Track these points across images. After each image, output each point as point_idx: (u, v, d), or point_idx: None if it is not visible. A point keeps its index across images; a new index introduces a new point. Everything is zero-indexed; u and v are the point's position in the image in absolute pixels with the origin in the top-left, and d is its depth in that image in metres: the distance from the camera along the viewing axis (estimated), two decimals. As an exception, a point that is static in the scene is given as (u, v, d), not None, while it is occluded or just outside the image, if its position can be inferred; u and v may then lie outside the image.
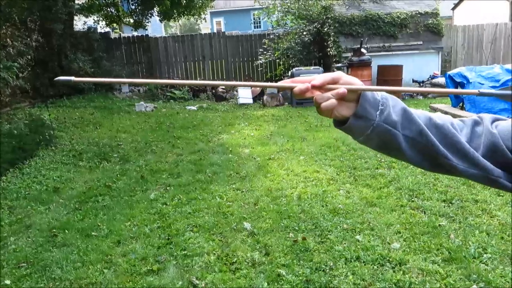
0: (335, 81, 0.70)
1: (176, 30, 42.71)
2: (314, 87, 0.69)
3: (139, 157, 5.93)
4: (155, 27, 27.29)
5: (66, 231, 3.69)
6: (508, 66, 8.33)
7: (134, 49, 13.18)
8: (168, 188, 4.69)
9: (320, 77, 0.70)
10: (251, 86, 0.71)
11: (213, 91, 11.68)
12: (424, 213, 3.71)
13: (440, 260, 2.95)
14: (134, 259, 3.17)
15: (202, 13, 14.30)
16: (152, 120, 8.56)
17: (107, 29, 14.55)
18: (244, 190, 4.53)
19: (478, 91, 0.68)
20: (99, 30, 13.28)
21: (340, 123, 0.75)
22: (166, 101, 11.02)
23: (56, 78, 0.72)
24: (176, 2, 12.68)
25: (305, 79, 0.70)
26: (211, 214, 3.95)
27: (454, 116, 7.26)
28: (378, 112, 0.73)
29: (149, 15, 13.22)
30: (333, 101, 0.70)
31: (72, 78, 0.70)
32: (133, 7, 13.18)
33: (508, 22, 14.21)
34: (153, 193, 4.54)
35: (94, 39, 11.65)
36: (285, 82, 0.72)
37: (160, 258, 3.18)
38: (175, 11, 13.29)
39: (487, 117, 0.81)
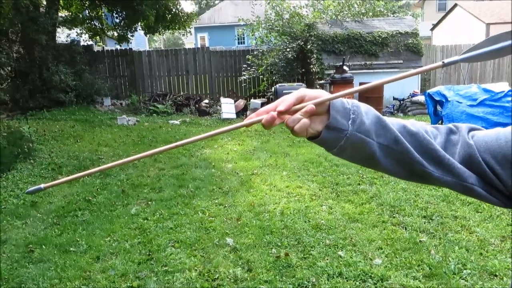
0: (300, 100, 0.69)
1: (160, 44, 42.78)
2: (280, 112, 0.68)
3: (120, 171, 5.85)
4: (139, 40, 27.26)
5: (43, 246, 3.59)
6: (485, 85, 8.58)
7: (117, 63, 13.11)
8: (149, 202, 4.63)
9: (284, 102, 0.68)
10: (214, 135, 0.71)
11: (197, 105, 11.67)
12: (405, 229, 3.75)
13: (421, 276, 2.97)
14: (114, 275, 3.10)
15: (186, 27, 14.38)
16: (134, 133, 8.49)
17: (90, 42, 14.46)
18: (226, 205, 4.50)
19: (443, 62, 0.65)
20: (82, 43, 13.18)
21: (313, 137, 0.73)
22: (149, 115, 10.95)
23: (27, 191, 0.75)
24: (161, 17, 12.74)
25: (269, 108, 0.69)
26: (193, 229, 3.91)
27: (434, 133, 7.41)
28: (350, 122, 0.71)
29: (134, 29, 13.21)
30: (305, 121, 0.69)
31: (42, 186, 0.74)
32: (117, 20, 13.16)
33: (484, 43, 14.67)
34: (134, 207, 4.47)
35: (76, 52, 11.55)
36: (249, 118, 0.70)
37: (141, 274, 3.12)
38: (159, 25, 13.33)
39: (463, 126, 0.80)
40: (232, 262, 3.28)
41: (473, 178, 0.74)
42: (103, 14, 13.43)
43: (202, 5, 45.30)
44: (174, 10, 13.32)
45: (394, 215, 4.05)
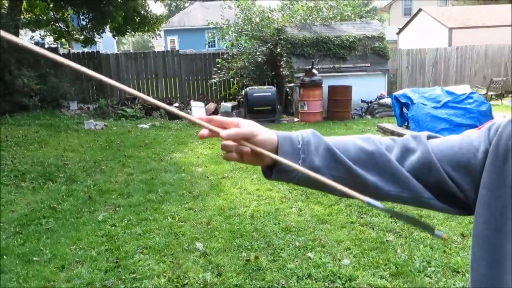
0: (247, 138, 0.70)
1: (129, 47, 42.13)
2: (222, 137, 0.69)
3: (87, 177, 5.71)
4: (107, 43, 26.75)
5: (5, 256, 3.46)
6: (448, 88, 8.88)
7: (84, 66, 12.64)
8: (117, 209, 4.54)
9: (230, 132, 0.69)
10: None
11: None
12: (373, 229, 3.82)
13: (388, 275, 3.04)
14: (79, 285, 3.02)
15: (156, 30, 14.23)
16: (102, 138, 8.31)
17: (56, 45, 14.09)
18: (196, 209, 4.47)
19: (367, 202, 0.65)
20: (46, 45, 12.82)
21: (267, 170, 0.75)
22: (117, 119, 10.75)
23: None
24: (129, 19, 12.56)
25: (220, 124, 0.70)
26: (162, 235, 3.85)
27: (400, 134, 7.60)
28: (300, 162, 0.72)
29: (101, 31, 12.96)
30: (233, 155, 0.70)
31: None
32: (83, 22, 12.88)
33: (447, 47, 15.21)
34: (102, 214, 4.37)
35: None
36: (201, 118, 0.70)
37: (108, 282, 3.05)
38: (128, 27, 13.13)
39: (423, 134, 0.81)
40: (202, 267, 3.26)
41: (428, 192, 0.76)
42: (68, 16, 13.11)
43: (172, 8, 44.94)
44: (143, 12, 13.17)
45: (362, 216, 4.13)
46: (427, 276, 3.01)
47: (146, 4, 13.36)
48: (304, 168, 0.71)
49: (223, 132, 0.68)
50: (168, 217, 4.26)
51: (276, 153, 0.72)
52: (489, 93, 12.50)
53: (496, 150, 0.71)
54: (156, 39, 16.34)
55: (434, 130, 7.57)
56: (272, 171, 0.74)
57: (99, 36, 13.10)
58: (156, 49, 26.88)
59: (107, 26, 13.03)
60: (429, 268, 3.09)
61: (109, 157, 6.78)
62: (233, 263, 3.27)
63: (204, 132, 0.69)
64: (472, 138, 0.76)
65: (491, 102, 9.61)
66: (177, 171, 5.99)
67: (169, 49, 26.86)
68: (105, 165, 6.34)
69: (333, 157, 0.75)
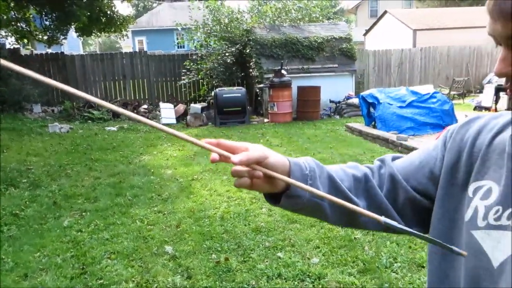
0: (259, 162, 0.68)
1: (95, 48, 41.21)
2: (233, 162, 0.66)
3: (52, 181, 5.54)
4: (72, 44, 26.08)
5: (-37, 267, 3.31)
6: (413, 88, 9.13)
7: (48, 67, 12.44)
8: (83, 213, 4.43)
9: (242, 157, 0.65)
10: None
11: (135, 111, 11.36)
12: (341, 227, 3.88)
13: (356, 272, 3.09)
14: (44, 293, 2.92)
15: (123, 30, 13.97)
16: (68, 142, 8.09)
17: (17, 46, 13.60)
18: (166, 212, 4.42)
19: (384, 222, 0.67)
20: (7, 46, 12.37)
21: (271, 198, 0.76)
22: (84, 122, 10.50)
23: None
24: (95, 19, 12.28)
25: (228, 149, 0.67)
26: (130, 239, 3.79)
27: (367, 134, 7.77)
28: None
29: (65, 31, 12.60)
30: (247, 181, 0.68)
31: None
32: (47, 22, 12.49)
33: (412, 48, 15.64)
34: (67, 220, 4.26)
35: (1, 56, 10.82)
36: (209, 142, 0.67)
37: (73, 289, 2.97)
38: (94, 27, 12.84)
39: (387, 157, 0.87)
40: (171, 270, 3.22)
41: (397, 217, 0.81)
42: (30, 15, 12.69)
43: (139, 8, 44.26)
44: (109, 12, 12.90)
45: (331, 214, 4.18)
46: (394, 272, 3.08)
47: (112, 4, 13.08)
48: (310, 196, 0.74)
49: (234, 158, 0.65)
50: (137, 221, 4.19)
51: (288, 177, 0.72)
52: (452, 92, 12.93)
53: (450, 152, 0.77)
54: (124, 39, 16.03)
55: (400, 129, 7.78)
56: (282, 196, 0.74)
57: (63, 37, 12.72)
58: (124, 50, 26.39)
59: (72, 26, 12.70)
60: (395, 264, 3.17)
61: (75, 161, 6.61)
62: (203, 266, 3.25)
63: (215, 156, 0.65)
64: (430, 149, 0.82)
65: (454, 102, 9.95)
66: (146, 173, 5.90)
67: (137, 50, 26.44)
68: (71, 169, 6.17)
69: (334, 185, 0.78)
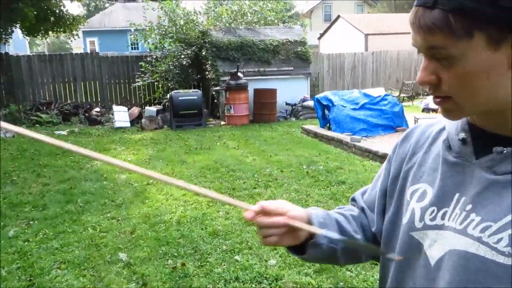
0: (280, 213, 0.77)
1: (44, 48, 39.48)
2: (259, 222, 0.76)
3: (-4, 189, 5.24)
4: (18, 44, 24.83)
5: None
6: (365, 90, 9.42)
7: (-9, 68, 11.74)
8: (31, 222, 4.21)
9: (270, 221, 0.76)
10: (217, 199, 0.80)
11: (86, 114, 10.98)
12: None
13: (312, 272, 3.13)
14: (-14, 308, 2.75)
15: (73, 31, 13.46)
16: (13, 147, 7.68)
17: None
18: (119, 218, 4.29)
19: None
20: None
21: (295, 250, 0.83)
22: (31, 126, 10.02)
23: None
24: (42, 18, 11.75)
25: (273, 213, 0.76)
26: (82, 247, 3.64)
27: (322, 135, 7.93)
28: (325, 236, 0.80)
29: (9, 30, 11.97)
30: (273, 238, 0.77)
31: None
32: (-11, 21, 11.81)
33: (364, 52, 16.16)
34: (13, 229, 4.03)
35: None
36: (243, 204, 0.77)
37: (20, 303, 2.81)
38: (41, 27, 12.29)
39: (357, 194, 0.95)
40: (126, 278, 3.13)
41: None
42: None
43: (91, 8, 42.89)
44: (57, 11, 12.39)
45: (287, 216, 4.22)
46: (349, 270, 3.15)
47: (61, 3, 12.58)
48: (328, 243, 0.81)
49: (262, 220, 0.76)
50: (89, 228, 4.04)
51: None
52: (402, 95, 13.46)
53: (394, 164, 0.85)
54: (74, 39, 15.44)
55: (353, 130, 7.99)
56: (306, 246, 0.81)
57: (7, 36, 12.07)
58: (75, 51, 25.46)
59: (17, 25, 12.08)
60: (350, 263, 3.24)
61: (21, 167, 6.29)
62: (159, 272, 3.18)
63: (249, 214, 0.75)
64: (383, 168, 0.90)
65: (403, 104, 10.36)
66: (98, 179, 5.71)
67: (88, 51, 25.58)
68: (17, 175, 5.87)
69: (341, 229, 0.85)
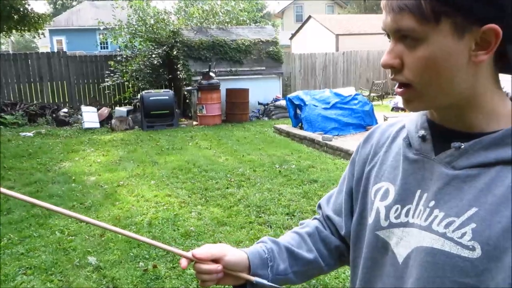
0: (218, 258, 0.81)
1: (8, 47, 38.13)
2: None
3: (-43, 193, 5.01)
4: (-20, 43, 23.89)
5: None
6: (336, 90, 9.54)
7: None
8: (-5, 227, 4.05)
9: (202, 251, 0.81)
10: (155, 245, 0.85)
11: (54, 115, 10.67)
12: (270, 227, 3.93)
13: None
14: None
15: (39, 29, 13.06)
16: (-24, 149, 7.37)
17: None
18: (89, 221, 4.18)
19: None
20: None
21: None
22: (-5, 127, 9.64)
23: None
24: (5, 16, 11.35)
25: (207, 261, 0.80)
26: (49, 252, 3.53)
27: (295, 135, 7.98)
28: (269, 270, 0.83)
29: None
30: (212, 283, 0.82)
31: None
32: None
33: (335, 52, 16.38)
34: (-25, 235, 3.87)
35: None
36: (181, 252, 0.81)
37: (-18, 311, 2.70)
38: (4, 26, 11.87)
39: (323, 201, 0.96)
40: (95, 282, 3.05)
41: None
42: None
43: (57, 6, 41.73)
44: (22, 9, 11.99)
45: (260, 215, 4.23)
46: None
47: (25, 1, 12.18)
48: (273, 276, 0.83)
49: (195, 252, 0.80)
50: (56, 232, 3.93)
51: (249, 269, 0.82)
52: (371, 94, 13.71)
53: (357, 165, 0.86)
54: (40, 38, 14.98)
55: (325, 129, 8.08)
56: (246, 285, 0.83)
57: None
58: (41, 50, 24.71)
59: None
60: (322, 260, 3.27)
61: (-16, 170, 6.04)
62: (130, 275, 3.12)
63: (184, 262, 0.80)
64: (347, 170, 0.90)
65: (373, 103, 10.55)
66: (66, 181, 5.56)
67: (55, 50, 24.88)
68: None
69: (292, 255, 0.87)
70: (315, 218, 0.97)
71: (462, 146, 0.65)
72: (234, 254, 0.82)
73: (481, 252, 0.59)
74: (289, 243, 0.89)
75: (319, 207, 0.98)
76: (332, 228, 0.92)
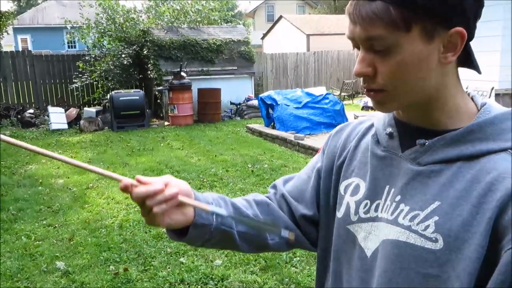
0: (164, 186, 0.69)
1: (-31, 46, 36.65)
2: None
3: None
4: None
5: None
6: (307, 89, 9.64)
7: None
8: (-44, 234, 3.89)
9: (149, 187, 0.67)
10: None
11: (19, 116, 10.32)
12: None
13: (258, 270, 3.15)
14: None
15: (2, 27, 12.60)
16: None
17: None
18: (57, 225, 4.08)
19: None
20: None
21: (176, 234, 0.75)
22: (-44, 130, 9.24)
23: None
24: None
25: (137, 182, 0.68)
26: (14, 258, 3.42)
27: (267, 134, 8.01)
28: (214, 216, 0.76)
29: None
30: (161, 213, 0.68)
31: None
32: None
33: (306, 52, 16.53)
34: None
35: None
36: (122, 178, 0.68)
37: None
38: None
39: (279, 182, 0.93)
40: (64, 287, 2.97)
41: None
42: None
43: (22, 4, 40.38)
44: (-17, 7, 11.54)
45: (233, 215, 4.21)
46: (293, 266, 3.20)
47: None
48: (216, 221, 0.75)
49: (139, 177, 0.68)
50: (22, 237, 3.81)
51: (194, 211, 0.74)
52: (342, 94, 13.91)
53: (327, 157, 0.86)
54: (3, 37, 14.46)
55: (297, 128, 8.15)
56: (189, 228, 0.74)
57: None
58: (4, 49, 23.84)
59: None
60: (294, 259, 3.30)
61: None
62: (100, 279, 3.06)
63: (123, 187, 0.67)
64: (314, 161, 0.90)
65: (344, 102, 10.71)
66: (33, 184, 5.39)
67: (20, 49, 24.07)
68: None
69: (238, 211, 0.81)
70: (265, 196, 0.91)
71: (426, 143, 0.68)
72: (185, 185, 0.72)
73: (443, 244, 0.62)
74: (236, 201, 0.83)
75: (274, 187, 0.93)
76: (284, 208, 0.87)
